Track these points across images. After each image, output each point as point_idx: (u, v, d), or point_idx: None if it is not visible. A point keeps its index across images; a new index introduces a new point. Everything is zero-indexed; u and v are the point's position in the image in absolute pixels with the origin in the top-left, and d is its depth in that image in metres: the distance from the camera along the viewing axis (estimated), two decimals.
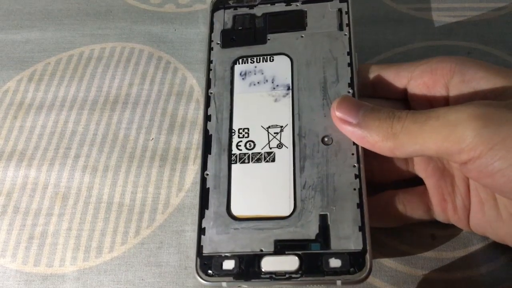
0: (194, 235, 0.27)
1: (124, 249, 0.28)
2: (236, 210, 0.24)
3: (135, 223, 0.28)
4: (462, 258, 0.26)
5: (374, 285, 0.25)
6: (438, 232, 0.26)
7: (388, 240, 0.26)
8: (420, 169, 0.26)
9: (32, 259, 0.28)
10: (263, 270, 0.22)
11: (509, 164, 0.19)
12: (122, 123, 0.32)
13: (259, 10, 0.28)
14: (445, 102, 0.25)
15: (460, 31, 0.34)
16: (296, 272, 0.22)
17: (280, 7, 0.28)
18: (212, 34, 0.28)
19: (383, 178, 0.27)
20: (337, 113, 0.24)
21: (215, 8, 0.29)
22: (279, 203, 0.24)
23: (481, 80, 0.23)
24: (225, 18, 0.28)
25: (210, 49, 0.28)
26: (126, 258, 0.27)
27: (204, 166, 0.25)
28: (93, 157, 0.31)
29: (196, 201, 0.28)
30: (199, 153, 0.30)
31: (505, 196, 0.22)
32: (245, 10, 0.28)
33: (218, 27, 0.28)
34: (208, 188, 0.24)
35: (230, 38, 0.28)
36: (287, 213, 0.23)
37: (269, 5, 0.29)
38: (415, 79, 0.25)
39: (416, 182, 0.26)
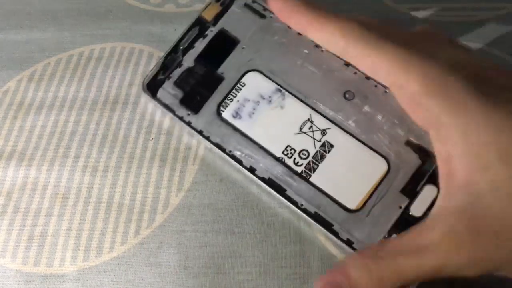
0: (200, 236, 0.26)
1: (124, 249, 0.28)
2: (351, 204, 0.24)
3: (135, 223, 0.28)
4: None
5: None
6: None
7: None
8: None
9: (32, 259, 0.28)
10: (419, 216, 0.23)
11: None
12: (122, 123, 0.32)
13: (188, 61, 0.27)
14: None
15: (460, 31, 0.34)
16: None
17: (202, 44, 0.27)
18: (176, 113, 0.27)
19: None
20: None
21: (154, 93, 0.27)
22: (372, 168, 0.24)
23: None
24: (170, 92, 0.26)
25: (189, 124, 0.26)
26: (126, 258, 0.27)
27: (294, 203, 0.25)
28: (93, 157, 0.31)
29: (196, 201, 0.28)
30: (199, 153, 0.30)
31: None
32: (178, 72, 0.27)
33: (174, 103, 0.27)
34: (315, 212, 0.24)
35: (193, 102, 0.26)
36: (385, 169, 0.24)
37: (191, 50, 0.27)
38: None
39: None
